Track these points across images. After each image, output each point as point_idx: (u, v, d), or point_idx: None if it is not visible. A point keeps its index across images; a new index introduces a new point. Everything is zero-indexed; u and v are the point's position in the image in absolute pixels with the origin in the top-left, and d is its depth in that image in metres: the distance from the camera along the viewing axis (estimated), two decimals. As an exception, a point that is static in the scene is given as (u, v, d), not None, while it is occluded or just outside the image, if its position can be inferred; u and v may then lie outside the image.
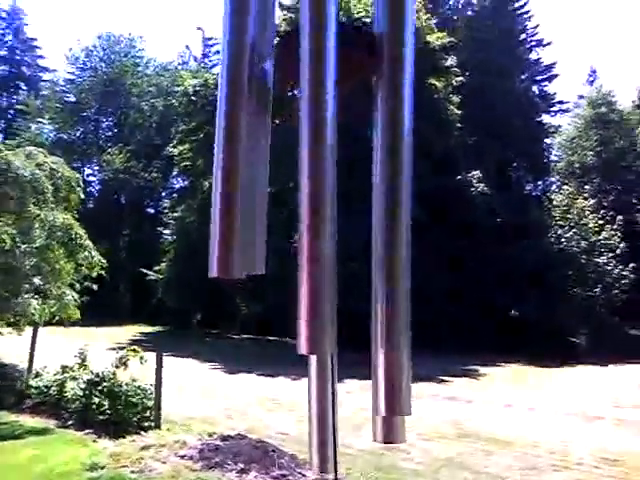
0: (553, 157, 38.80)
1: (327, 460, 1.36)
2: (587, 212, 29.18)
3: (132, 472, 7.63)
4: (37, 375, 11.76)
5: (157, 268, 33.39)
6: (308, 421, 1.34)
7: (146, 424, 9.92)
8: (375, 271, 1.15)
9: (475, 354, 22.04)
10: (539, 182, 36.86)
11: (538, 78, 38.22)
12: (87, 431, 9.68)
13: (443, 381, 16.92)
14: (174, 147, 33.69)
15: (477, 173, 28.82)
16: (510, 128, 32.21)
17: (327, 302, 1.09)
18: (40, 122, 44.56)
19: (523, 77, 36.71)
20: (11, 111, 49.27)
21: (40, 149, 14.57)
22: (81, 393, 10.44)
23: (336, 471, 1.33)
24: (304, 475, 7.74)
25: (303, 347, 1.09)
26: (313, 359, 1.33)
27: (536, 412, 13.02)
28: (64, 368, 11.23)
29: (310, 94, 1.06)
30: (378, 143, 1.16)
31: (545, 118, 37.66)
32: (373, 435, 1.28)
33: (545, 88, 38.80)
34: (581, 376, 19.64)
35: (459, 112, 28.38)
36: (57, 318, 12.68)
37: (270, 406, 12.67)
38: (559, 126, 39.41)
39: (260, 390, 14.82)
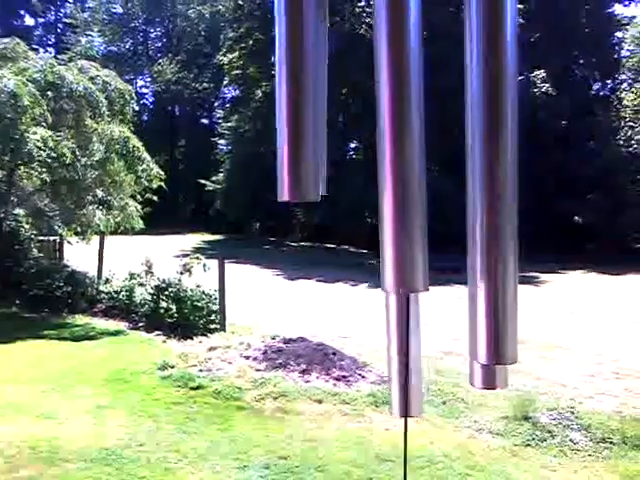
0: (624, 52, 35.92)
1: (409, 405, 1.26)
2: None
3: (200, 371, 8.03)
4: (107, 281, 12.34)
5: (214, 178, 33.76)
6: (387, 364, 1.23)
7: (211, 327, 10.38)
8: (472, 187, 0.98)
9: (536, 261, 21.69)
10: (608, 81, 34.47)
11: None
12: (156, 333, 10.21)
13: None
14: (224, 55, 33.00)
15: (541, 73, 27.20)
16: (576, 22, 29.91)
17: (417, 230, 0.95)
18: (89, 35, 44.37)
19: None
20: (60, 25, 49.05)
21: (92, 62, 14.57)
22: (149, 298, 10.94)
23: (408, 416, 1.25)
24: (364, 377, 7.98)
25: (389, 284, 0.95)
26: (394, 297, 1.18)
27: (598, 320, 12.86)
28: (132, 275, 11.71)
29: None
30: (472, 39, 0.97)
31: (617, 9, 34.61)
32: (470, 379, 1.16)
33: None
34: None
35: (520, 6, 26.48)
36: (122, 228, 13.12)
37: (330, 310, 12.95)
38: (633, 17, 36.17)
39: (319, 295, 15.15)
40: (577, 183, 25.45)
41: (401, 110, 0.93)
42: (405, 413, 1.21)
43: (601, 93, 33.33)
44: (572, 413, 6.94)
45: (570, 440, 6.35)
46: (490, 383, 1.14)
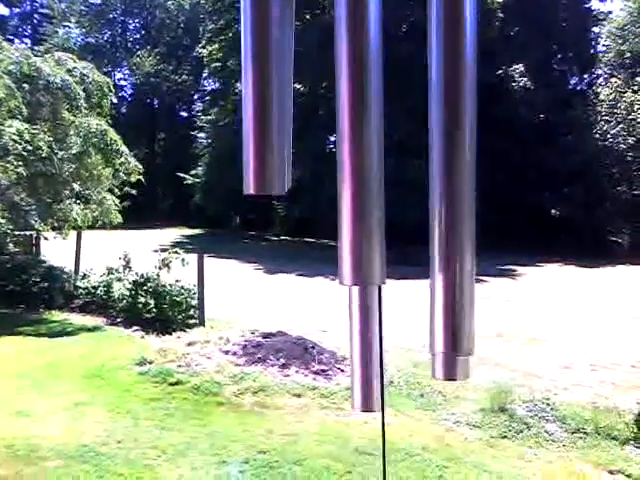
0: (601, 48, 36.31)
1: (371, 398, 1.26)
2: (636, 106, 27.73)
3: (179, 367, 8.00)
4: (84, 277, 12.21)
5: (194, 172, 33.54)
6: (350, 358, 1.24)
7: (190, 322, 10.33)
8: (432, 184, 1.00)
9: (513, 254, 21.95)
10: (585, 75, 34.84)
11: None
12: (135, 328, 10.14)
13: (480, 280, 16.99)
14: (203, 47, 32.77)
15: (519, 67, 27.42)
16: (555, 17, 30.17)
17: (374, 222, 0.95)
18: (67, 26, 43.67)
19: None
20: (36, 16, 48.15)
21: (69, 54, 14.33)
22: (127, 293, 10.86)
23: (383, 410, 1.25)
24: (343, 370, 8.01)
25: (346, 277, 0.96)
26: (355, 290, 1.19)
27: (575, 312, 13.05)
28: (110, 270, 11.60)
29: None
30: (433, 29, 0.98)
31: (594, 4, 35.00)
32: (432, 371, 1.17)
33: (596, -30, 35.75)
34: (622, 276, 19.48)
35: (499, 0, 26.64)
36: (99, 222, 12.98)
37: (310, 305, 12.97)
38: (609, 12, 36.61)
39: (299, 289, 15.16)
40: (555, 176, 25.76)
41: (360, 106, 0.94)
42: (366, 407, 1.22)
43: (578, 87, 33.70)
44: (548, 404, 7.04)
45: (545, 431, 6.45)
46: (450, 374, 1.16)
